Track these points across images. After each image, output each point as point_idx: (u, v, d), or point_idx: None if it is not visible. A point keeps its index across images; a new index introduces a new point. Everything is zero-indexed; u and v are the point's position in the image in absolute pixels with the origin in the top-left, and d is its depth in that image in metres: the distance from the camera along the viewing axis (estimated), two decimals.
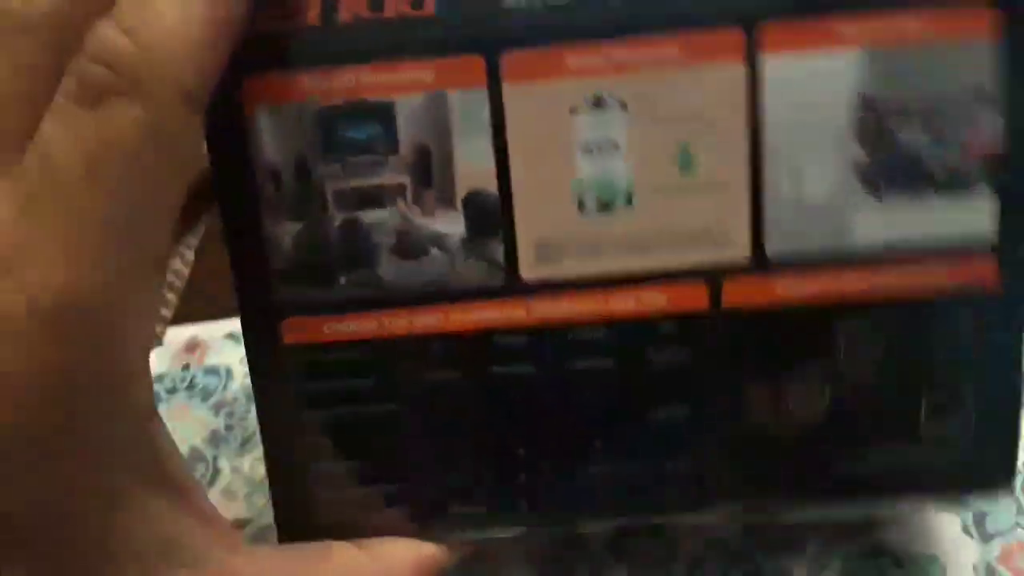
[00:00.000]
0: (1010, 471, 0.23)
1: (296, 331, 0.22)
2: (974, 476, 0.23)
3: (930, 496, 0.24)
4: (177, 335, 0.37)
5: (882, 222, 0.21)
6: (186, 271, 0.40)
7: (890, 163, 0.21)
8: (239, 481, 0.31)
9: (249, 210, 0.21)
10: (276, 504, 0.23)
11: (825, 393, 0.22)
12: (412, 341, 0.22)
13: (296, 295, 0.22)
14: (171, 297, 0.38)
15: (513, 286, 0.22)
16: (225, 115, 0.20)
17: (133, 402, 0.18)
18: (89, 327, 0.17)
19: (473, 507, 0.23)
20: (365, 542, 0.22)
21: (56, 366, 0.16)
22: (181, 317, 0.38)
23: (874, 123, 0.21)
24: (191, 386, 0.35)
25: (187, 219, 0.24)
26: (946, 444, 0.23)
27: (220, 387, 0.35)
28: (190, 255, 0.40)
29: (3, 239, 0.16)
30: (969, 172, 0.21)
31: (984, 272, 0.22)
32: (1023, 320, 0.22)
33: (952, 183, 0.21)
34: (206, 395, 0.35)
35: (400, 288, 0.22)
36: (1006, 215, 0.21)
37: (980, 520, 0.28)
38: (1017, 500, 0.29)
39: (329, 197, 0.21)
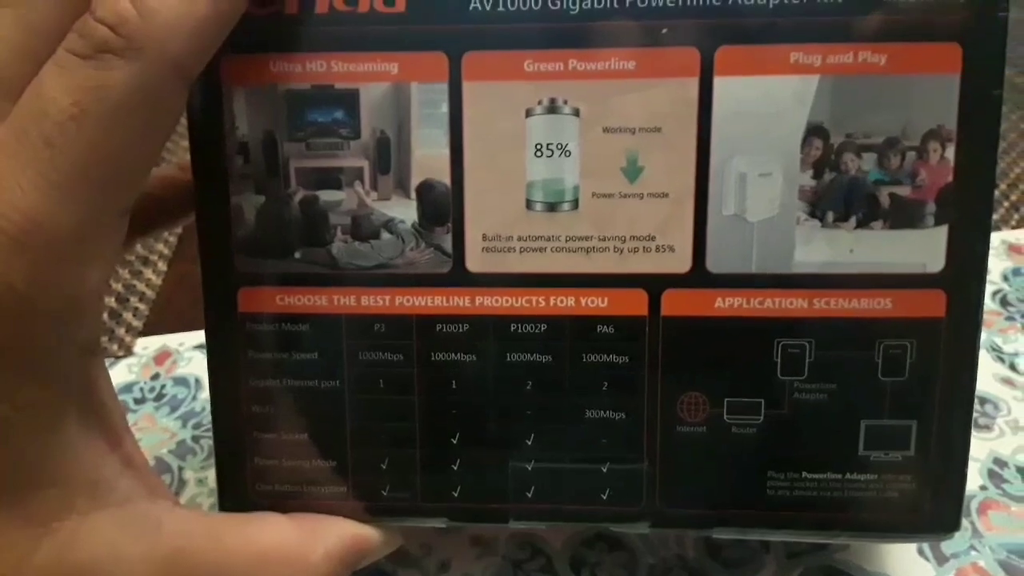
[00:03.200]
0: (956, 514, 0.23)
1: (251, 301, 0.23)
2: (919, 516, 0.23)
3: (869, 533, 0.24)
4: (147, 345, 0.38)
5: (825, 247, 0.22)
6: (157, 281, 0.41)
7: (836, 189, 0.22)
8: (204, 494, 0.31)
9: (219, 180, 0.22)
10: (219, 469, 0.24)
11: (760, 410, 0.23)
12: (358, 321, 0.23)
13: (254, 266, 0.23)
14: (141, 307, 0.39)
15: (459, 276, 0.22)
16: (203, 90, 0.22)
17: (80, 334, 0.19)
18: (51, 253, 0.18)
19: (404, 492, 0.24)
20: (298, 516, 0.23)
21: (15, 282, 0.18)
22: (152, 329, 0.39)
23: (822, 149, 0.21)
24: (159, 396, 0.35)
25: (150, 223, 0.25)
26: (887, 479, 0.23)
27: (189, 397, 0.35)
28: (162, 266, 0.42)
29: None
30: (920, 204, 0.21)
31: (932, 304, 0.22)
32: (972, 355, 0.22)
33: (901, 214, 0.22)
34: (174, 406, 0.35)
35: (351, 268, 0.23)
36: (955, 248, 0.22)
37: (935, 543, 0.27)
38: (972, 523, 0.28)
39: (292, 174, 0.22)
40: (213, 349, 0.23)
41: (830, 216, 0.22)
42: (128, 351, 0.38)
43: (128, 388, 0.36)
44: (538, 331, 0.22)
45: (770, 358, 0.22)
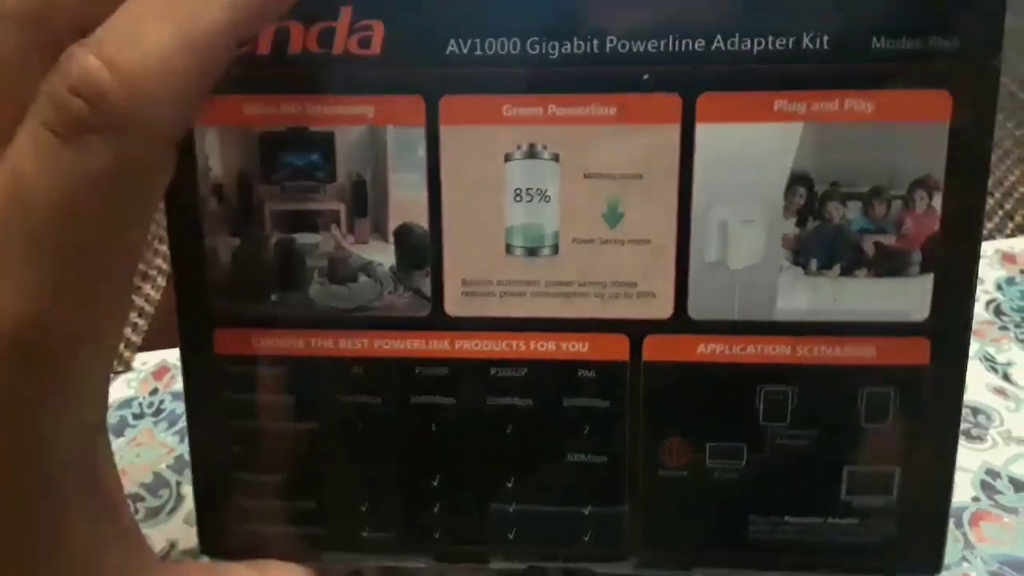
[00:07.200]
0: (938, 558, 0.23)
1: (228, 342, 0.23)
2: (899, 560, 0.23)
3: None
4: (146, 361, 0.38)
5: (808, 294, 0.21)
6: (156, 296, 0.41)
7: (819, 238, 0.21)
8: None
9: (192, 222, 0.22)
10: (198, 511, 0.24)
11: (742, 455, 0.22)
12: (336, 363, 0.22)
13: (230, 308, 0.22)
14: (140, 323, 0.39)
15: (438, 319, 0.22)
16: None
17: (83, 421, 0.19)
18: (47, 353, 0.17)
19: (385, 533, 0.23)
20: (261, 563, 0.22)
21: (11, 384, 0.17)
22: (150, 344, 0.38)
23: (806, 197, 0.21)
24: (158, 412, 0.35)
25: None
26: (869, 523, 0.23)
27: None
28: (161, 281, 0.41)
29: None
30: (905, 253, 0.21)
31: (916, 352, 0.22)
32: (956, 402, 0.22)
33: (885, 262, 0.21)
34: (172, 421, 0.35)
35: (328, 310, 0.22)
36: (941, 297, 0.21)
37: None
38: (964, 534, 0.28)
39: (267, 217, 0.22)
40: (190, 390, 0.23)
41: (814, 264, 0.21)
42: (127, 366, 0.37)
43: (127, 403, 0.36)
44: (519, 375, 0.22)
45: (752, 404, 0.22)
